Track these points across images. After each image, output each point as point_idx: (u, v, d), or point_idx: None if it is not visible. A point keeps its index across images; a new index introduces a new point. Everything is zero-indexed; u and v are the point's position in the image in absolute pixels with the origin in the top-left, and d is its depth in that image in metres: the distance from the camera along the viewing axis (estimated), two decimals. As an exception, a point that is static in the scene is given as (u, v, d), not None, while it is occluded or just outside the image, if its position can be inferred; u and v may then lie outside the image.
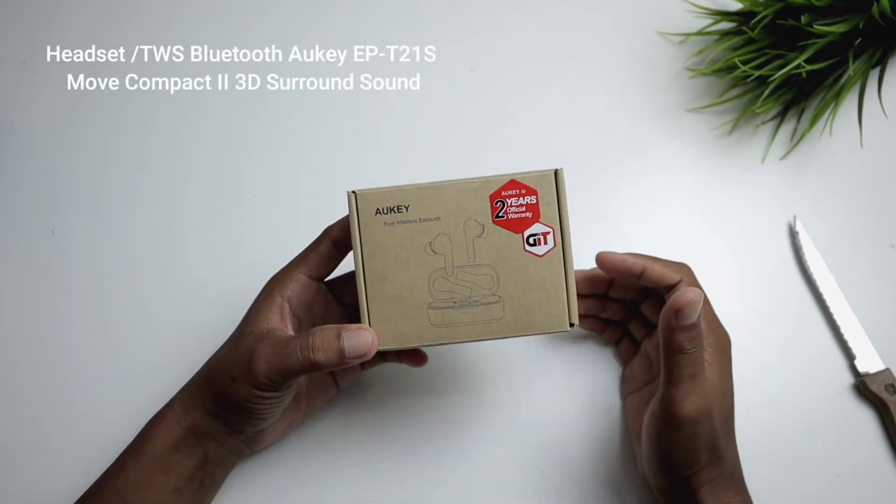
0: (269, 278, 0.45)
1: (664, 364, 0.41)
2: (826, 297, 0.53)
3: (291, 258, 0.45)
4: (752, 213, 0.56)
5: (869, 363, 0.52)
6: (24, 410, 0.51)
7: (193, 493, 0.44)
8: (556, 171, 0.40)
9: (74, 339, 0.53)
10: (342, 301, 0.47)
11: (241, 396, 0.41)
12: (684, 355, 0.40)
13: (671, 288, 0.45)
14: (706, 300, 0.46)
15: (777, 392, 0.52)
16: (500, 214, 0.39)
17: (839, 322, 0.53)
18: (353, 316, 0.48)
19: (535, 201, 0.39)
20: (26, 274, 0.55)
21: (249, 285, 0.47)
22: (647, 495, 0.49)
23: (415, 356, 0.48)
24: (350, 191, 0.40)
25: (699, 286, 0.46)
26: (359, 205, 0.40)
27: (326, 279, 0.46)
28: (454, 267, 0.40)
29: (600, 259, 0.46)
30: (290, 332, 0.43)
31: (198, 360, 0.48)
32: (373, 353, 0.40)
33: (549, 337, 0.53)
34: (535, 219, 0.39)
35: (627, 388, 0.50)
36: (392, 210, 0.40)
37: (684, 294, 0.40)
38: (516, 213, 0.39)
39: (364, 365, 0.49)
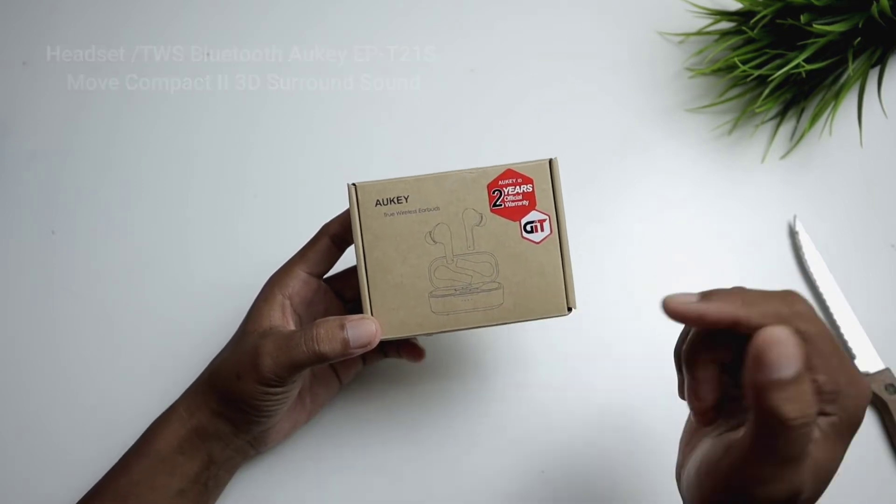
0: (269, 277, 0.45)
1: (752, 429, 0.29)
2: (826, 297, 0.53)
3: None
4: (752, 213, 0.56)
5: (869, 363, 0.52)
6: (24, 411, 0.51)
7: (197, 495, 0.44)
8: (550, 160, 0.40)
9: (75, 340, 0.53)
10: (342, 296, 0.48)
11: (247, 394, 0.41)
12: (790, 430, 0.28)
13: None
14: (831, 339, 0.32)
15: (777, 392, 0.52)
16: (497, 203, 0.40)
17: (839, 322, 0.53)
18: (353, 311, 0.48)
19: (531, 190, 0.40)
20: (26, 274, 0.55)
21: (250, 285, 0.47)
22: (647, 495, 0.49)
23: (413, 351, 0.49)
24: (350, 183, 0.41)
25: (823, 324, 0.32)
26: (359, 196, 0.40)
27: (327, 276, 0.46)
28: (454, 255, 0.40)
29: (670, 307, 0.32)
30: (292, 328, 0.43)
31: (199, 359, 0.48)
32: (376, 342, 0.40)
33: (550, 336, 0.53)
34: (532, 207, 0.40)
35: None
36: (392, 201, 0.40)
37: (769, 334, 0.28)
38: (513, 201, 0.40)
39: (365, 361, 0.50)
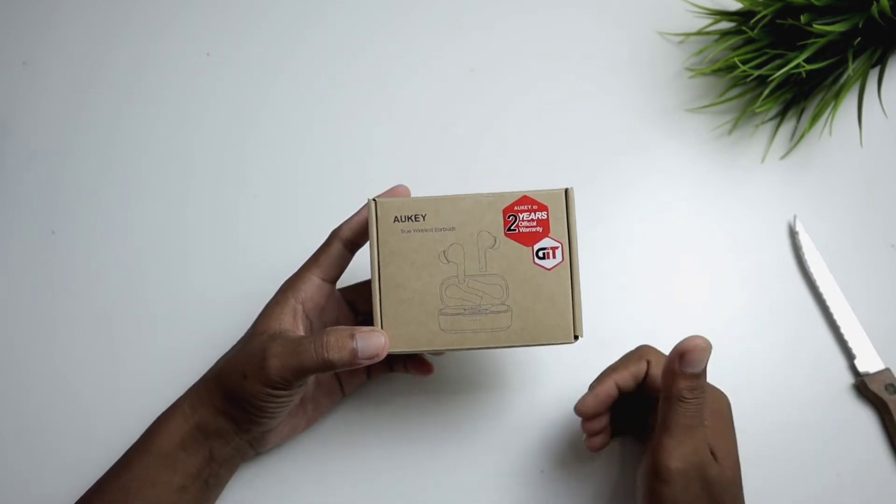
0: (270, 278, 0.45)
1: (661, 412, 0.41)
2: (826, 297, 0.54)
3: (292, 258, 0.45)
4: (752, 213, 0.56)
5: (869, 363, 0.52)
6: (23, 411, 0.51)
7: (198, 493, 0.44)
8: (566, 190, 0.41)
9: (75, 340, 0.53)
10: (355, 308, 0.48)
11: (251, 394, 0.41)
12: (683, 403, 0.39)
13: (646, 377, 0.45)
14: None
15: (777, 392, 0.52)
16: (511, 228, 0.41)
17: (839, 322, 0.53)
18: (364, 323, 0.48)
19: (545, 217, 0.41)
20: (26, 274, 0.55)
21: (250, 286, 0.47)
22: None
23: (421, 367, 0.49)
24: (371, 199, 0.41)
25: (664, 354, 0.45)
26: (378, 212, 0.41)
27: (341, 287, 0.47)
28: (466, 276, 0.41)
29: (580, 412, 0.44)
30: (302, 333, 0.43)
31: (199, 360, 0.48)
32: (384, 355, 0.40)
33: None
34: (545, 234, 0.41)
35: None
36: (410, 218, 0.41)
37: (691, 339, 0.39)
38: (527, 227, 0.41)
39: (370, 374, 0.50)
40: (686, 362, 0.39)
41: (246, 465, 0.49)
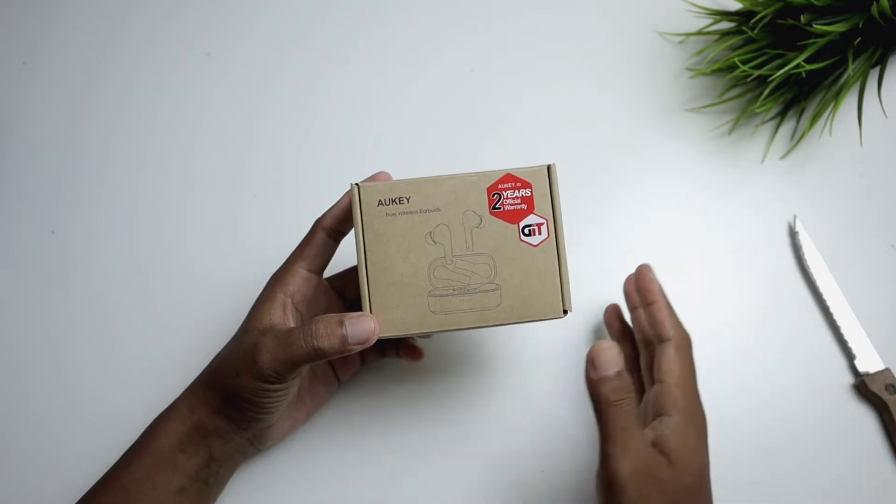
0: (269, 275, 0.45)
1: (597, 424, 0.39)
2: (826, 297, 0.53)
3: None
4: (752, 213, 0.56)
5: (869, 363, 0.52)
6: (24, 410, 0.51)
7: (198, 493, 0.44)
8: (549, 166, 0.41)
9: (75, 339, 0.53)
10: (343, 295, 0.48)
11: (246, 391, 0.41)
12: (612, 407, 0.38)
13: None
14: (689, 369, 0.45)
15: (777, 392, 0.52)
16: (496, 206, 0.41)
17: (839, 322, 0.53)
18: (353, 309, 0.48)
19: (529, 194, 0.41)
20: (26, 274, 0.55)
21: (250, 284, 0.47)
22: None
23: (412, 352, 0.49)
24: (354, 183, 0.41)
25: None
26: (362, 196, 0.41)
27: (328, 276, 0.47)
28: (453, 256, 0.41)
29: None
30: (292, 326, 0.43)
31: (199, 358, 0.48)
32: (374, 339, 0.40)
33: (550, 336, 0.53)
34: (530, 210, 0.41)
35: None
36: (394, 201, 0.41)
37: (595, 345, 0.39)
38: (512, 204, 0.41)
39: (364, 360, 0.50)
40: (598, 367, 0.38)
41: (244, 462, 0.49)
